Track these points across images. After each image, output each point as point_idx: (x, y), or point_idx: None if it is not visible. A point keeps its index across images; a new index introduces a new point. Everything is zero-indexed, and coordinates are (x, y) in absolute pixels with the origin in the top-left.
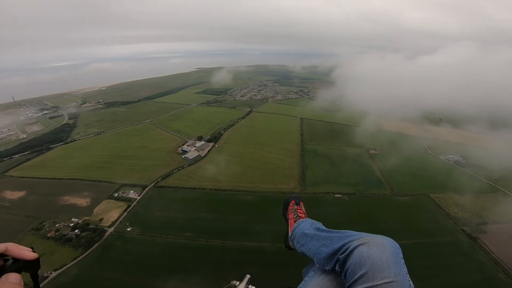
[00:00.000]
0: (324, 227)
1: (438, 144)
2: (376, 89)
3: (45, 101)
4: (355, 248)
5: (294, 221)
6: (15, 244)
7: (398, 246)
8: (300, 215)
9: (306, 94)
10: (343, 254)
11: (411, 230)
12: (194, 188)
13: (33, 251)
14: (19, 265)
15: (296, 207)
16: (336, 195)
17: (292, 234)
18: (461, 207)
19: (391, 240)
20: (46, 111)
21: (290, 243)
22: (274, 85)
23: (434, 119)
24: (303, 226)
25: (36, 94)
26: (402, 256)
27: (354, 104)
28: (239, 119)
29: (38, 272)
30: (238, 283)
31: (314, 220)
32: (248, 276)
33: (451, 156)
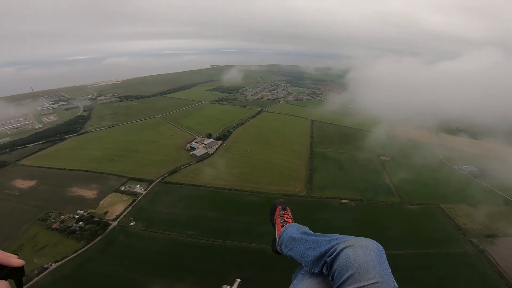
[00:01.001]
0: (310, 231)
1: (454, 154)
2: (391, 94)
3: (62, 92)
4: (341, 250)
5: (281, 225)
6: (1, 251)
7: (382, 248)
8: (286, 220)
9: (318, 96)
10: (330, 257)
11: (417, 239)
12: (200, 186)
13: (19, 258)
14: (5, 272)
15: (283, 212)
16: (343, 201)
17: (279, 238)
18: (472, 219)
19: (375, 242)
20: (62, 103)
21: (278, 248)
22: (286, 86)
23: (451, 128)
24: (290, 231)
25: (54, 86)
26: (386, 257)
27: (368, 108)
28: (249, 118)
29: (22, 279)
30: (228, 287)
31: (300, 225)
32: (238, 280)
33: (465, 166)
